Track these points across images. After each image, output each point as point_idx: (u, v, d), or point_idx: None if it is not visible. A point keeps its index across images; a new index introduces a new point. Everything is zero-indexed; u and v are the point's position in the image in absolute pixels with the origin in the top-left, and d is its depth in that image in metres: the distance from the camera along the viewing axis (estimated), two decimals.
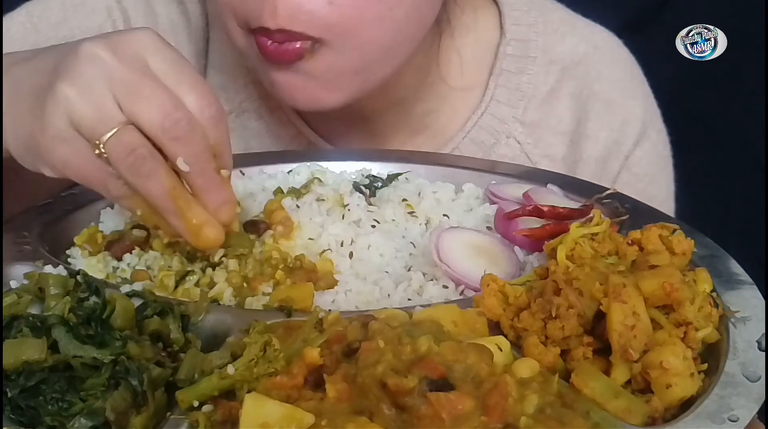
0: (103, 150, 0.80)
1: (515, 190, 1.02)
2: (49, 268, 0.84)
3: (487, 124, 1.23)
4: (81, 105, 0.79)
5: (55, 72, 0.82)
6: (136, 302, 0.78)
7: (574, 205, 0.96)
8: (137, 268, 0.91)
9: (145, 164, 0.80)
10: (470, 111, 1.23)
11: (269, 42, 0.99)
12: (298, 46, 0.98)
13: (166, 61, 0.82)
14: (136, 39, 0.82)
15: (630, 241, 0.81)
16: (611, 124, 1.25)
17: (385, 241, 0.94)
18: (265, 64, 1.03)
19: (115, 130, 0.79)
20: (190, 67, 0.84)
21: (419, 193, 1.03)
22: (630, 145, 1.25)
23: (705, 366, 0.72)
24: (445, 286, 0.87)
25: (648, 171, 1.27)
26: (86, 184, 0.84)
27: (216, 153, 0.84)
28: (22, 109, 0.84)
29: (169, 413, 0.69)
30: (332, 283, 0.88)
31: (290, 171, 1.09)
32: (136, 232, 0.94)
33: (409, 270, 0.91)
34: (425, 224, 0.99)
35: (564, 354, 0.72)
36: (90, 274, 0.84)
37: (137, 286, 0.82)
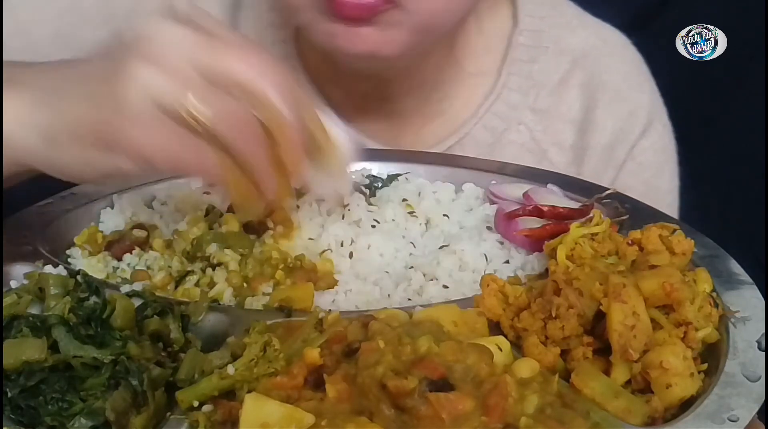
0: (196, 115, 0.75)
1: (515, 190, 1.02)
2: (49, 268, 0.84)
3: (499, 111, 1.25)
4: (161, 78, 0.75)
5: (125, 53, 0.77)
6: (136, 302, 0.78)
7: (574, 205, 0.96)
8: (137, 268, 0.91)
9: (251, 124, 0.77)
10: (483, 97, 1.25)
11: None
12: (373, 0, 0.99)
13: (236, 34, 0.81)
14: (201, 13, 0.81)
15: (630, 241, 0.81)
16: (618, 114, 1.27)
17: (385, 241, 0.94)
18: (330, 18, 1.02)
19: (205, 95, 0.76)
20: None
21: (419, 193, 1.03)
22: (636, 134, 1.28)
23: (705, 366, 0.72)
24: (446, 286, 0.88)
25: (653, 161, 1.29)
26: (176, 163, 0.78)
27: None
28: (79, 106, 0.79)
29: (169, 413, 0.69)
30: (332, 283, 0.88)
31: None
32: (136, 232, 0.94)
33: (409, 270, 0.91)
34: (425, 224, 0.99)
35: (564, 354, 0.72)
36: (90, 274, 0.84)
37: (137, 286, 0.82)
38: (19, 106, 0.81)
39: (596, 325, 0.73)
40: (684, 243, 0.80)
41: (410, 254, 0.94)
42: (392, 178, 1.07)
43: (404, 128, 1.25)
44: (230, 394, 0.68)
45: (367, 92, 1.17)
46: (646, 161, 1.28)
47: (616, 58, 1.30)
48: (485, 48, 1.25)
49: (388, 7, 0.99)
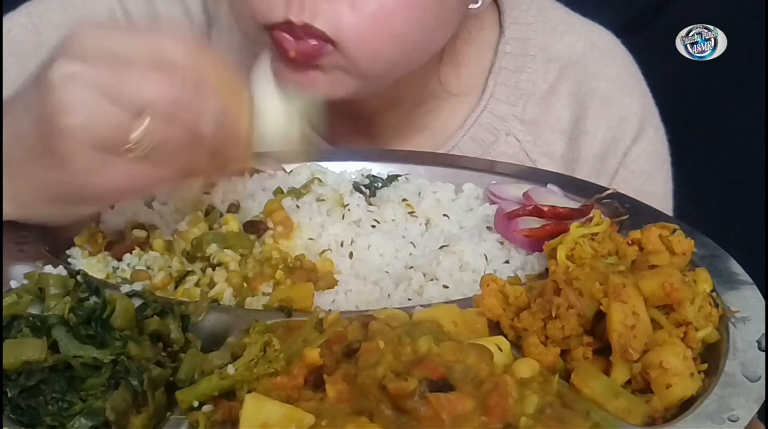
0: (133, 149, 0.78)
1: (515, 190, 1.02)
2: (49, 268, 0.84)
3: (487, 122, 1.23)
4: (89, 127, 0.77)
5: (42, 111, 0.79)
6: (136, 302, 0.78)
7: (574, 205, 0.96)
8: (137, 268, 0.91)
9: (177, 145, 0.79)
10: (470, 109, 1.24)
11: (290, 41, 1.00)
12: (314, 43, 0.99)
13: (121, 35, 0.81)
14: (81, 34, 0.80)
15: (630, 241, 0.81)
16: (609, 122, 1.26)
17: (385, 241, 0.94)
18: (280, 60, 1.03)
19: (137, 130, 0.77)
20: (141, 23, 0.84)
21: (419, 193, 1.03)
22: (627, 142, 1.26)
23: (705, 366, 0.72)
24: (446, 286, 0.88)
25: (645, 168, 1.28)
26: (135, 191, 0.84)
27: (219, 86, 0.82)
28: (32, 171, 0.82)
29: (169, 413, 0.69)
30: (332, 283, 0.88)
31: (290, 171, 1.09)
32: (136, 232, 0.94)
33: (409, 270, 0.91)
34: (425, 224, 0.99)
35: (564, 354, 0.72)
36: (90, 274, 0.84)
37: (137, 286, 0.82)
38: None
39: (596, 325, 0.73)
40: (684, 243, 0.80)
41: (410, 254, 0.94)
42: (392, 178, 1.07)
43: (388, 144, 1.24)
44: (230, 394, 0.68)
45: (341, 111, 1.17)
46: (638, 169, 1.26)
47: (604, 63, 1.27)
48: (469, 66, 1.24)
49: (328, 51, 0.99)
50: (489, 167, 1.13)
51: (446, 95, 1.23)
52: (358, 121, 1.22)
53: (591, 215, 0.87)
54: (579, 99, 1.25)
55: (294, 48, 1.00)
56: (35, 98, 0.80)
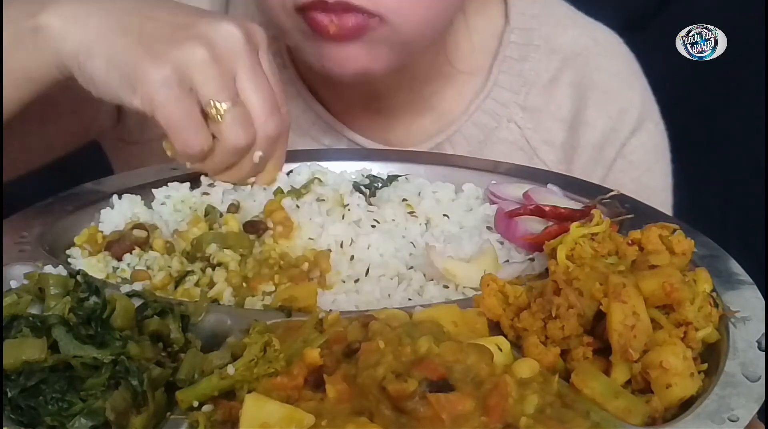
0: (217, 114, 0.91)
1: (515, 190, 1.02)
2: (49, 268, 0.84)
3: (489, 108, 1.25)
4: (208, 67, 0.89)
5: (187, 30, 0.90)
6: (136, 302, 0.78)
7: (574, 205, 0.96)
8: (137, 268, 0.91)
9: (245, 148, 0.94)
10: (474, 94, 1.26)
11: (327, 18, 1.00)
12: (357, 20, 1.00)
13: (270, 63, 0.96)
14: (258, 32, 0.95)
15: (630, 241, 0.81)
16: (609, 113, 1.28)
17: (385, 241, 0.94)
18: (317, 39, 1.04)
19: (233, 104, 0.91)
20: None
21: (419, 193, 1.03)
22: (626, 133, 1.28)
23: (705, 366, 0.72)
24: (446, 286, 0.88)
25: (643, 160, 1.29)
26: (170, 127, 0.90)
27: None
28: (131, 40, 0.90)
29: (169, 413, 0.69)
30: (332, 283, 0.88)
31: (290, 171, 1.09)
32: (136, 232, 0.94)
33: (409, 270, 0.91)
34: (425, 224, 0.99)
35: (564, 354, 0.72)
36: (90, 274, 0.84)
37: (137, 286, 0.82)
38: (77, 7, 0.92)
39: (596, 325, 0.73)
40: (684, 243, 0.80)
41: (410, 254, 0.94)
42: (392, 178, 1.07)
43: (394, 124, 1.26)
44: (230, 394, 0.68)
45: (355, 90, 1.20)
46: (636, 160, 1.28)
47: (607, 57, 1.29)
48: (476, 46, 1.25)
49: (375, 24, 1.00)
50: (489, 167, 1.13)
51: (451, 74, 1.24)
52: (370, 99, 1.24)
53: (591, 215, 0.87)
54: (580, 90, 1.27)
55: (333, 23, 1.00)
56: (203, 17, 0.93)
